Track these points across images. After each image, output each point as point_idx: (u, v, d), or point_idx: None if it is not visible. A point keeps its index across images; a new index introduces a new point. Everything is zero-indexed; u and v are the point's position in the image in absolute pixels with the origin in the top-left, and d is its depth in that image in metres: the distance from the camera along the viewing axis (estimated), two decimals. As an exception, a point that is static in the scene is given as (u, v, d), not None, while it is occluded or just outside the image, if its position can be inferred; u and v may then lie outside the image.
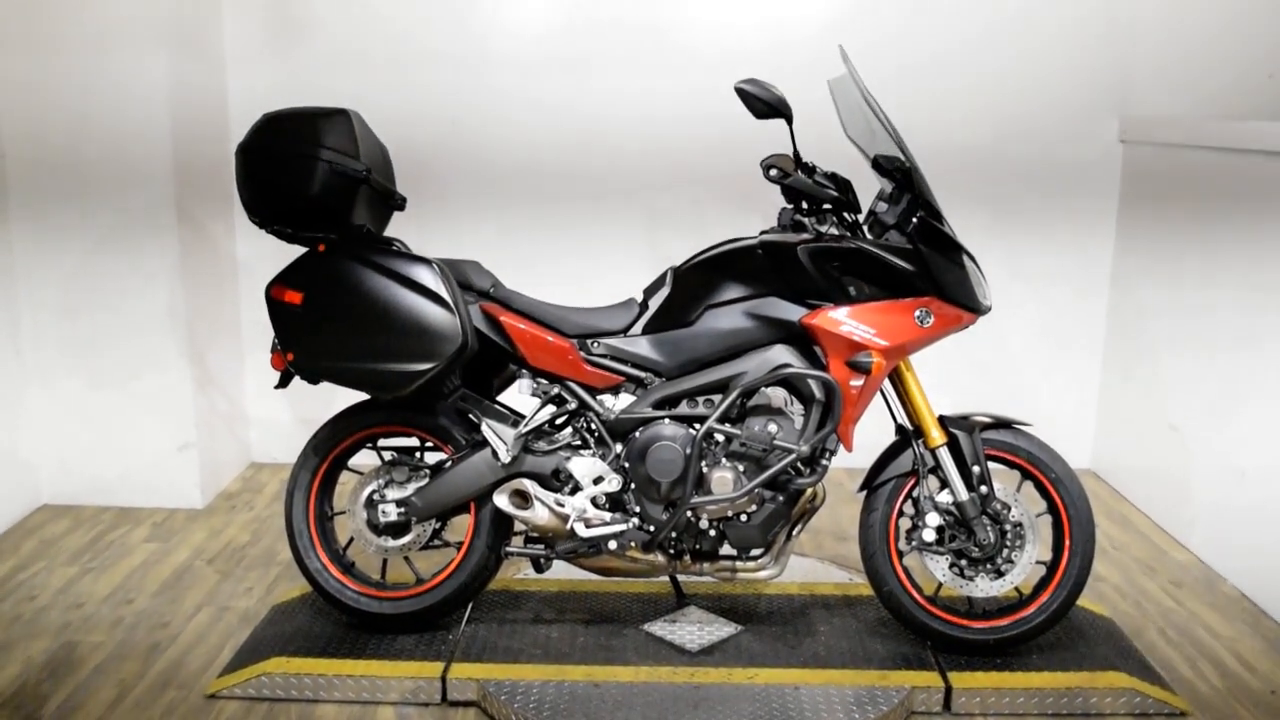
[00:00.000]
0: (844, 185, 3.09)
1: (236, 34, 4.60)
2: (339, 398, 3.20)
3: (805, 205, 3.11)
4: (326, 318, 2.96)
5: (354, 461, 3.35)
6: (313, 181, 2.93)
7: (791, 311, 3.02)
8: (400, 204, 3.21)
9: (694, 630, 3.29)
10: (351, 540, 3.32)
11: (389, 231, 3.23)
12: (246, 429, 4.91)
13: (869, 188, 3.22)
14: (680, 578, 3.47)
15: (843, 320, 2.98)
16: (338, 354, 2.97)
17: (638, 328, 3.15)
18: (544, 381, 3.18)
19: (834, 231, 3.10)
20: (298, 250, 3.07)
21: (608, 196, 4.73)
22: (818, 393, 3.04)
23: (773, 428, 3.06)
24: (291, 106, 3.09)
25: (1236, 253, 3.86)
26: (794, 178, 3.00)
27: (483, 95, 4.65)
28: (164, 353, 4.28)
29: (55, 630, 3.41)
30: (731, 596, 3.53)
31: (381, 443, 3.30)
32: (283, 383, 3.18)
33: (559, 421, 3.21)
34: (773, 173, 3.00)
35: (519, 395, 3.21)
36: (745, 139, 4.05)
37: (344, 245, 2.99)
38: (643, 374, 3.12)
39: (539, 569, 3.24)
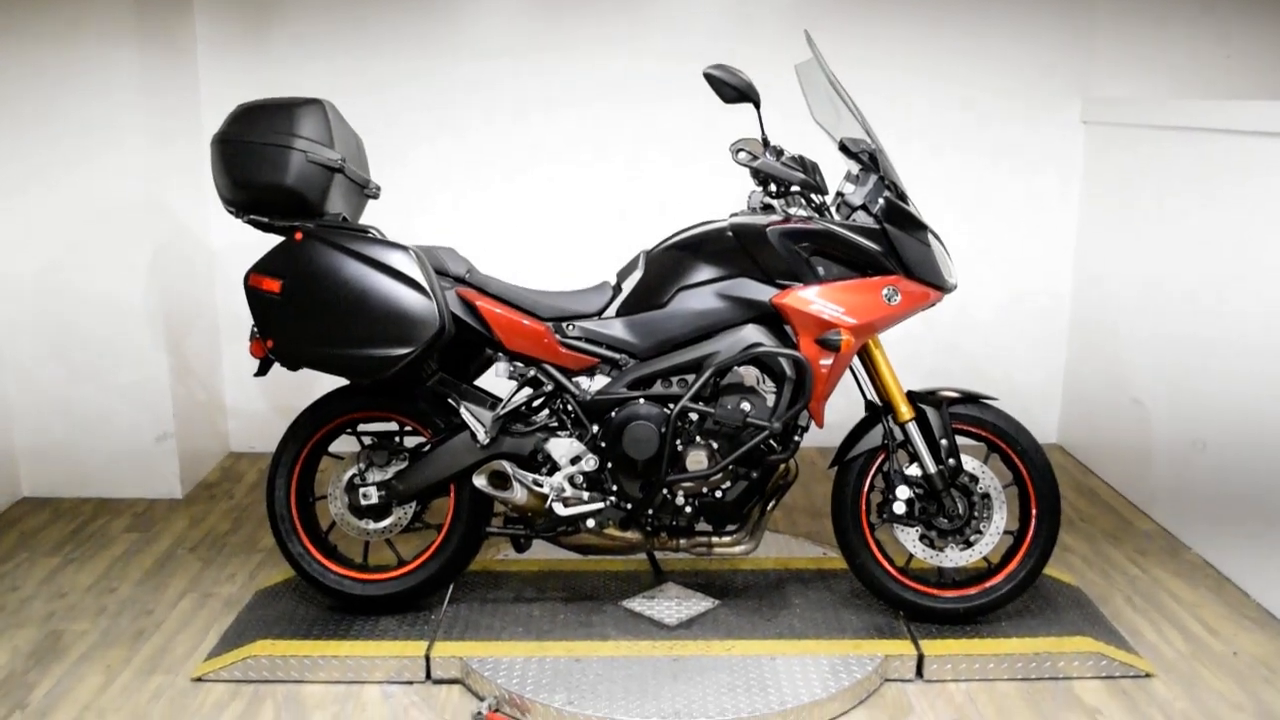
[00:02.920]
0: (811, 167, 3.15)
1: (207, 22, 4.61)
2: (317, 387, 3.25)
3: (774, 187, 3.17)
4: (305, 305, 3.00)
5: (334, 447, 3.39)
6: (288, 171, 2.98)
7: (762, 292, 3.09)
8: (375, 192, 3.26)
9: (672, 605, 3.36)
10: (333, 524, 3.37)
11: (364, 219, 3.27)
12: (225, 419, 4.94)
13: (836, 170, 3.29)
14: (658, 554, 3.54)
15: (812, 299, 3.05)
16: (317, 340, 3.02)
17: (612, 310, 3.21)
18: (520, 364, 3.23)
19: (802, 213, 3.17)
20: (273, 240, 3.11)
21: (580, 181, 4.79)
22: (789, 370, 3.10)
23: (745, 406, 3.12)
24: (266, 97, 3.13)
25: (1196, 230, 3.95)
26: (762, 160, 3.07)
27: (454, 82, 4.69)
28: (141, 343, 4.31)
29: (40, 619, 3.45)
30: (708, 572, 3.60)
31: (361, 428, 3.35)
32: (262, 370, 3.22)
33: (536, 403, 3.27)
34: (741, 155, 3.06)
35: (496, 379, 3.26)
36: (715, 123, 4.14)
37: (320, 233, 3.03)
38: (617, 355, 3.18)
39: (519, 549, 3.30)
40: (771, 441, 3.14)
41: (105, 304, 4.27)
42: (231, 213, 3.12)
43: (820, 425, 3.13)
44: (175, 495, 4.46)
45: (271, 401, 4.85)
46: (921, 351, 4.80)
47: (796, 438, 3.15)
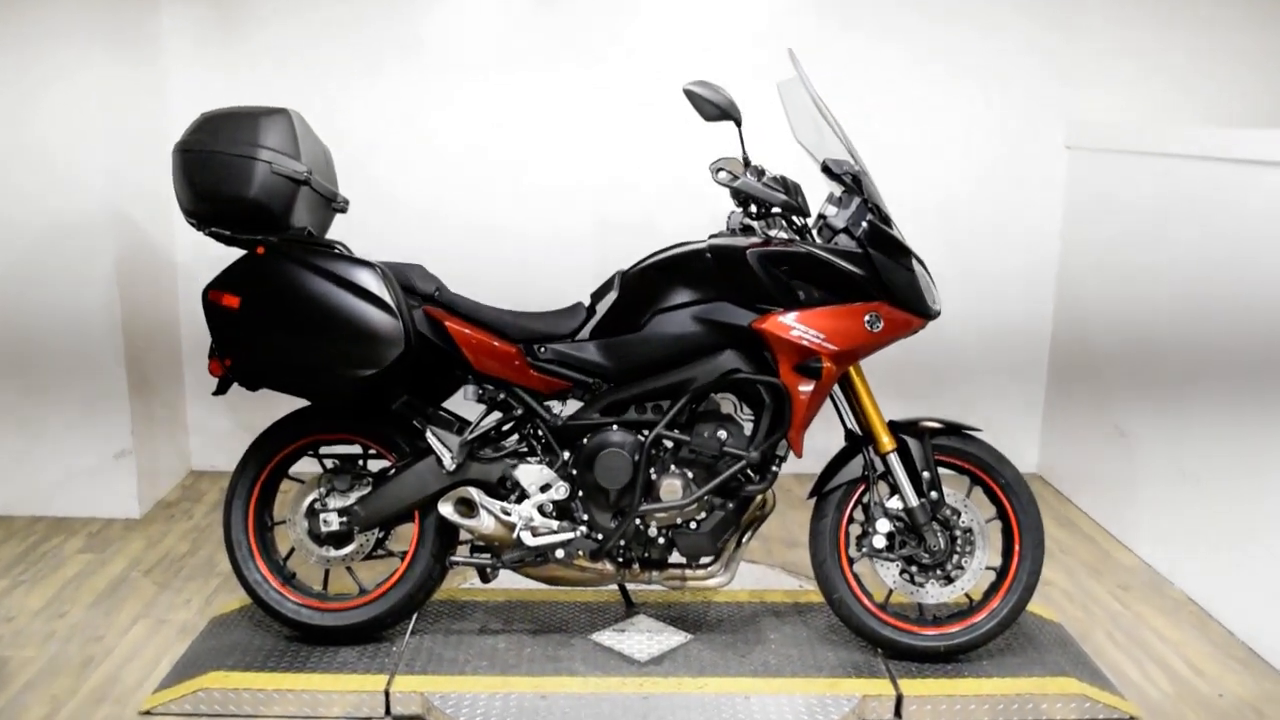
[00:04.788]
0: (793, 189, 3.06)
1: (174, 32, 4.49)
2: (280, 404, 3.12)
3: (754, 209, 3.08)
4: (265, 322, 2.89)
5: (295, 469, 3.27)
6: (251, 182, 2.86)
7: (741, 316, 2.99)
8: (342, 206, 3.15)
9: (643, 639, 3.25)
10: (293, 550, 3.24)
11: (330, 235, 3.16)
12: (186, 436, 4.80)
13: (818, 192, 3.19)
14: (629, 586, 3.43)
15: (792, 325, 2.95)
16: (277, 359, 2.90)
17: (585, 332, 3.10)
18: (490, 387, 3.13)
19: (783, 235, 3.08)
20: (237, 253, 2.99)
21: (554, 199, 4.68)
22: (767, 398, 3.00)
23: (722, 434, 3.02)
24: (231, 106, 3.01)
25: (1180, 257, 3.88)
26: (743, 180, 2.97)
27: (425, 95, 4.59)
28: (100, 358, 4.17)
29: (-16, 645, 3.31)
30: (681, 605, 3.49)
31: (323, 450, 3.23)
32: (221, 389, 3.10)
33: (505, 428, 3.16)
34: (721, 175, 2.97)
35: (464, 402, 3.15)
36: (694, 142, 4.05)
37: (283, 248, 2.92)
38: (590, 379, 3.08)
39: (485, 579, 3.19)
40: (749, 471, 3.03)
41: (63, 317, 4.12)
42: (193, 224, 3.00)
43: (799, 455, 3.03)
44: (133, 515, 4.32)
45: (235, 419, 4.71)
46: (900, 376, 4.71)
47: (775, 468, 3.05)
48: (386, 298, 2.87)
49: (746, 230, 3.13)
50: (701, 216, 4.34)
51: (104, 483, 4.28)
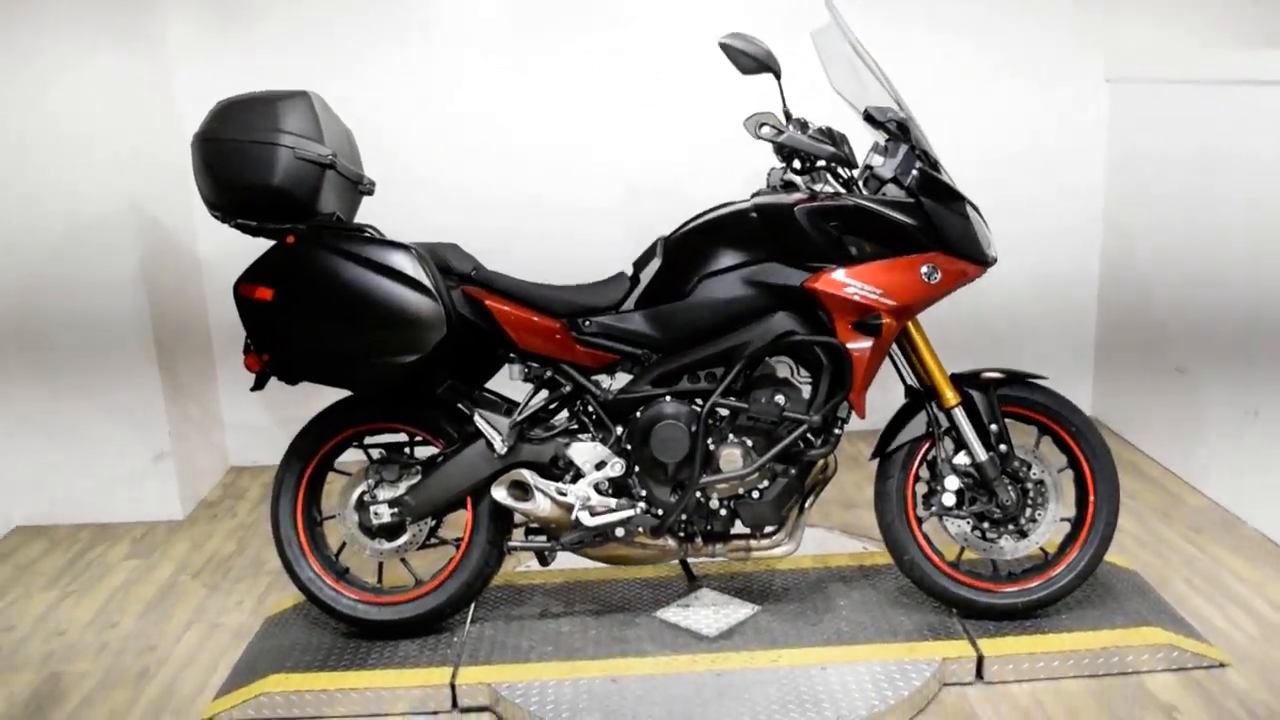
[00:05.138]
0: (839, 139, 2.93)
1: (178, 18, 4.37)
2: (320, 396, 3.02)
3: (798, 163, 2.95)
4: (300, 313, 2.79)
5: (340, 461, 3.18)
6: (275, 169, 2.75)
7: (792, 276, 2.87)
8: (369, 189, 3.04)
9: (710, 614, 3.15)
10: (344, 545, 3.15)
11: (359, 218, 3.05)
12: (223, 433, 4.72)
13: (859, 143, 3.06)
14: (690, 560, 3.33)
15: (847, 281, 2.83)
16: (315, 351, 2.80)
17: (630, 303, 2.99)
18: (535, 365, 3.02)
19: (829, 189, 2.96)
20: (264, 245, 2.89)
21: (585, 167, 4.55)
22: (825, 359, 2.89)
23: (780, 399, 2.91)
24: (248, 92, 2.90)
25: (1234, 188, 3.73)
26: (787, 134, 2.84)
27: (442, 69, 4.45)
28: (131, 360, 4.08)
29: (38, 662, 3.23)
30: (744, 575, 3.39)
31: (368, 440, 3.14)
32: (259, 384, 3.00)
33: (554, 406, 3.06)
34: (764, 130, 2.84)
35: (510, 382, 3.05)
36: (721, 100, 3.92)
37: (313, 235, 2.81)
38: (639, 351, 2.97)
39: (544, 562, 3.09)
40: (810, 436, 2.92)
41: (90, 321, 4.03)
42: (217, 217, 2.90)
43: (862, 416, 2.91)
44: (176, 517, 4.25)
45: (273, 413, 4.63)
46: (936, 330, 4.57)
47: (837, 430, 2.94)
48: (424, 280, 2.76)
49: (789, 187, 3.01)
50: (732, 177, 4.19)
51: (144, 486, 4.20)
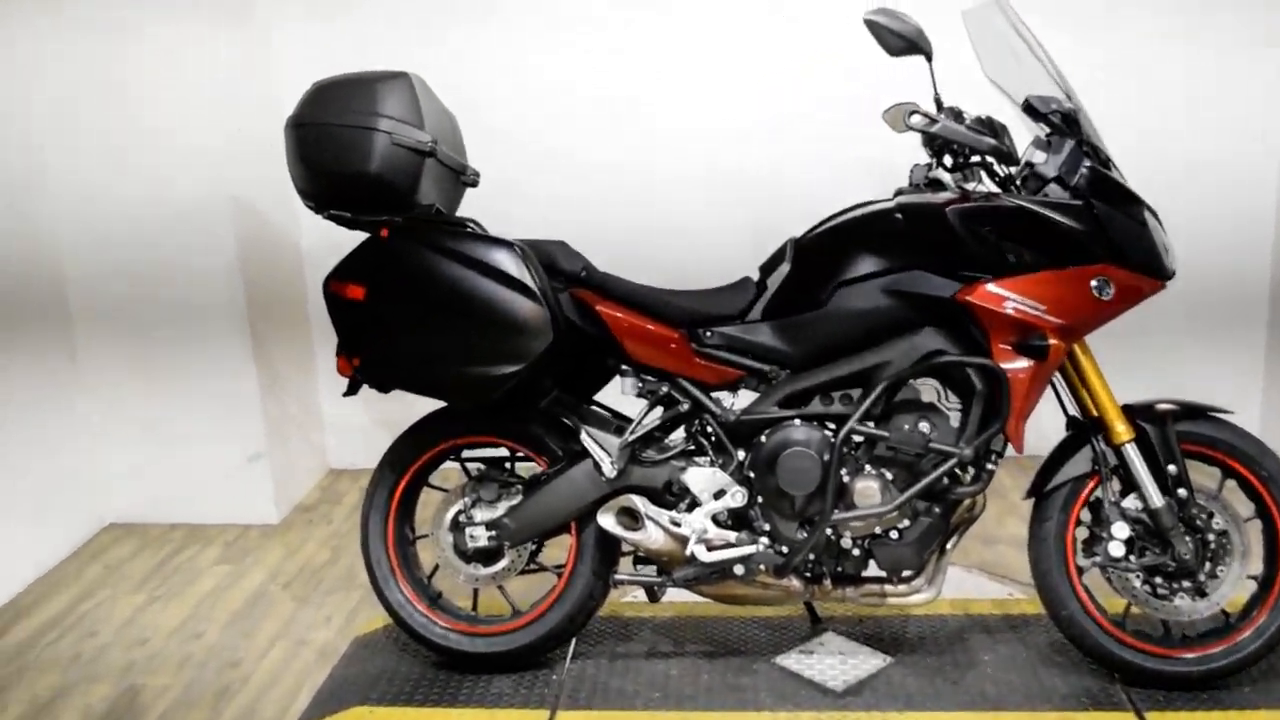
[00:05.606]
0: (999, 131, 2.58)
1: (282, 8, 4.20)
2: (422, 398, 2.78)
3: (949, 158, 2.61)
4: (394, 315, 2.55)
5: (436, 476, 2.94)
6: (371, 157, 2.50)
7: (942, 287, 2.52)
8: (472, 180, 2.78)
9: (836, 664, 2.82)
10: (437, 567, 2.90)
11: (461, 211, 2.79)
12: (322, 434, 4.53)
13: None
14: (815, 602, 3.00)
15: (1006, 295, 2.47)
16: (409, 357, 2.56)
17: (756, 311, 2.68)
18: (650, 379, 2.73)
19: (983, 188, 2.61)
20: (363, 236, 2.65)
21: (708, 159, 4.19)
22: (978, 383, 2.54)
23: (925, 426, 2.57)
24: (345, 73, 2.65)
25: None
26: (941, 124, 2.50)
27: (559, 50, 4.17)
28: (227, 356, 3.91)
29: (118, 672, 3.06)
30: (874, 619, 3.05)
31: (466, 455, 2.88)
32: (352, 389, 2.77)
33: (668, 425, 2.76)
34: (915, 119, 2.50)
35: (621, 396, 2.76)
36: (865, 83, 3.57)
37: (410, 229, 2.56)
38: (765, 366, 2.65)
39: (653, 598, 2.80)
40: (958, 470, 2.57)
41: (186, 314, 3.87)
42: (310, 207, 2.67)
43: (1019, 449, 2.55)
44: (270, 520, 4.07)
45: (374, 413, 4.41)
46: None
47: (990, 466, 2.58)
48: (529, 281, 2.49)
49: (935, 185, 2.67)
50: (869, 172, 3.85)
51: (239, 487, 4.03)
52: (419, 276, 2.51)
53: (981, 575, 3.35)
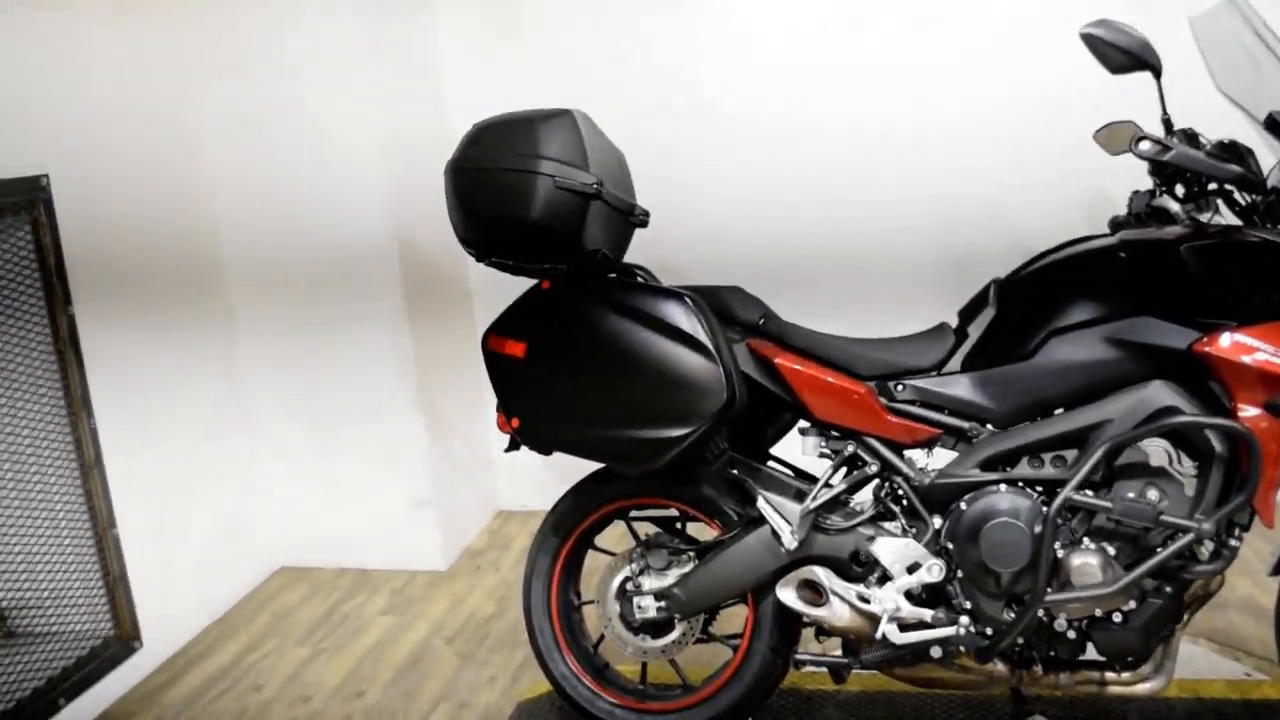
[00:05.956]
0: (1244, 155, 2.24)
1: (451, 41, 4.08)
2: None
3: (1179, 187, 2.29)
4: (556, 373, 2.36)
5: (603, 537, 2.74)
6: (533, 201, 2.31)
7: (1175, 335, 2.19)
8: (642, 220, 2.57)
9: (1047, 756, 2.51)
10: (603, 637, 2.71)
11: (631, 254, 2.59)
12: (491, 475, 4.41)
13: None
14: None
15: (1255, 345, 2.13)
16: (572, 419, 2.36)
17: (955, 362, 2.41)
18: (835, 438, 2.47)
19: (1221, 220, 2.27)
20: (529, 281, 2.48)
21: (899, 193, 3.85)
22: (1218, 446, 2.19)
23: (1154, 495, 2.24)
24: (506, 113, 2.48)
25: None
26: (1177, 150, 2.17)
27: (734, 80, 3.92)
28: (393, 400, 3.82)
29: (279, 732, 2.98)
30: (1089, 702, 2.71)
31: (634, 514, 2.68)
32: (513, 446, 2.60)
33: (854, 487, 2.49)
34: (1144, 146, 2.18)
35: (803, 456, 2.51)
36: (1071, 105, 3.25)
37: (572, 280, 2.38)
38: (965, 423, 2.37)
39: (838, 679, 2.53)
40: (1195, 546, 2.23)
41: (353, 357, 3.80)
42: (471, 254, 2.50)
43: (1270, 524, 2.19)
44: (437, 567, 3.96)
45: (542, 454, 4.28)
46: None
47: (1234, 542, 2.23)
48: (701, 336, 2.27)
49: (1158, 214, 2.35)
50: (1076, 202, 3.51)
51: (406, 533, 3.94)
52: (582, 332, 2.32)
53: (1210, 647, 2.97)
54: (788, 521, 2.42)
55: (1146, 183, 2.52)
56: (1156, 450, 2.25)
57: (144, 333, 3.41)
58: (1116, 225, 2.57)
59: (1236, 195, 2.29)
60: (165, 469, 3.47)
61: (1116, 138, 2.61)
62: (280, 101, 3.66)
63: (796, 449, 2.55)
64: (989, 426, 2.36)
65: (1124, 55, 2.17)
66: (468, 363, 4.22)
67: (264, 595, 3.85)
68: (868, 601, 2.38)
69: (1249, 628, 3.10)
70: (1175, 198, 2.33)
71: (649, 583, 2.57)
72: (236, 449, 3.84)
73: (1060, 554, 2.27)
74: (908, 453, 2.43)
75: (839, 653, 2.50)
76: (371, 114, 3.64)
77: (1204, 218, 2.31)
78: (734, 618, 2.66)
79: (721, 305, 2.47)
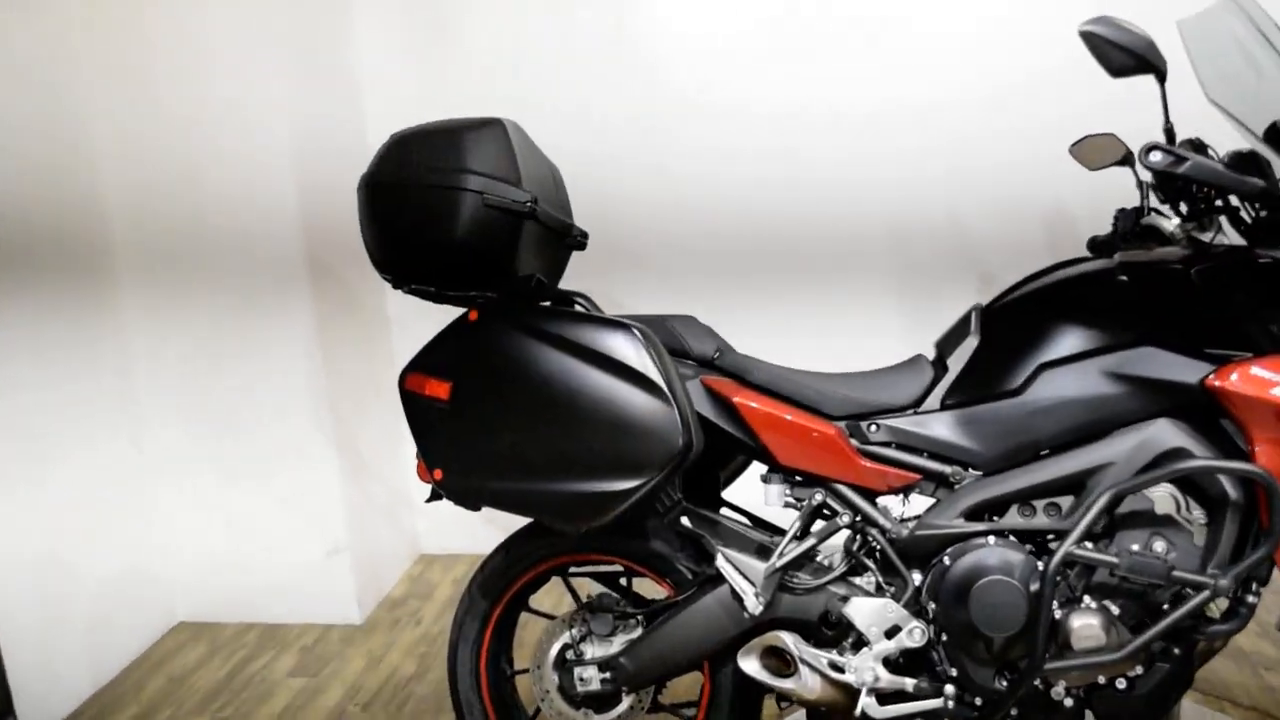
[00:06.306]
0: (1265, 168, 2.01)
1: (370, 47, 3.77)
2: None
3: (1185, 203, 2.06)
4: (485, 418, 2.04)
5: (537, 597, 2.44)
6: (458, 220, 2.00)
7: (1184, 369, 1.96)
8: (579, 241, 2.28)
9: (1041, 838, 2.24)
10: (539, 711, 2.39)
11: (567, 280, 2.30)
12: (412, 516, 4.07)
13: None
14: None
15: (1273, 379, 1.90)
16: (504, 471, 2.04)
17: (934, 399, 2.15)
18: (799, 484, 2.20)
19: (1223, 241, 2.06)
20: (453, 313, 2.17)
21: (861, 211, 3.59)
22: (1234, 493, 1.95)
23: (1160, 546, 2.00)
24: (429, 121, 2.17)
25: None
26: (1193, 162, 1.93)
27: (673, 94, 3.65)
28: (305, 435, 3.48)
29: (171, 822, 2.62)
30: (1078, 769, 2.47)
31: (573, 570, 2.38)
32: (435, 496, 2.28)
33: (823, 539, 2.22)
34: (1155, 157, 1.93)
35: (765, 506, 2.24)
36: (1045, 123, 3.03)
37: (503, 309, 2.07)
38: (947, 468, 2.11)
39: (809, 757, 2.25)
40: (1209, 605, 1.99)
41: (260, 389, 3.46)
42: (388, 280, 2.19)
43: (1292, 579, 1.97)
44: (353, 620, 3.61)
45: (467, 493, 3.96)
46: None
47: (1251, 598, 1.99)
48: (652, 373, 1.97)
49: (1148, 234, 2.13)
50: (1074, 221, 3.28)
51: (318, 583, 3.60)
52: (514, 370, 2.01)
53: (1195, 697, 2.76)
54: (751, 582, 2.13)
55: (1117, 200, 2.31)
56: (1162, 496, 2.01)
57: (29, 368, 3.03)
58: (1098, 246, 2.35)
59: (1243, 212, 2.07)
60: (50, 516, 3.10)
61: (1097, 152, 2.40)
62: (177, 107, 3.31)
63: (753, 494, 2.28)
64: (973, 471, 2.11)
65: (1128, 56, 1.93)
66: (386, 394, 3.89)
67: (159, 655, 3.47)
68: (841, 670, 2.11)
69: (1234, 675, 2.90)
70: (1175, 214, 2.11)
71: (592, 650, 2.27)
72: (130, 492, 3.47)
73: (1059, 615, 2.01)
74: (881, 500, 2.16)
75: (807, 725, 2.22)
76: (278, 120, 3.30)
77: (1205, 237, 2.10)
78: (687, 683, 2.36)
79: (672, 337, 2.20)
